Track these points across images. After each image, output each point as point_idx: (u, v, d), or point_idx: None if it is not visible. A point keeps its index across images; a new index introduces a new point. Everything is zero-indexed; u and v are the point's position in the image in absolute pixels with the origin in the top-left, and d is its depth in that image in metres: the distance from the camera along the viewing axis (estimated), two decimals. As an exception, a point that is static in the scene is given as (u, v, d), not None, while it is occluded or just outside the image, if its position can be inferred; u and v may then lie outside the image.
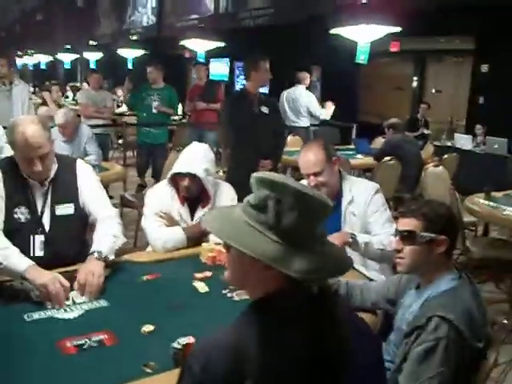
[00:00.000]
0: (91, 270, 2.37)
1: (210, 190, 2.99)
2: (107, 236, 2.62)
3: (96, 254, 2.47)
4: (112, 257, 2.58)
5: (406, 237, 2.07)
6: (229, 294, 2.37)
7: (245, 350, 1.27)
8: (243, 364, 1.26)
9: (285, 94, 8.19)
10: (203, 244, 2.87)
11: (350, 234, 2.75)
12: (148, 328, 2.03)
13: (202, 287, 2.47)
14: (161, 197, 3.02)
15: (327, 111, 7.89)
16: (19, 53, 15.19)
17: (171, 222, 3.01)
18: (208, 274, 2.60)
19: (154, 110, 7.45)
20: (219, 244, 2.69)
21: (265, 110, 4.97)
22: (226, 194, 3.11)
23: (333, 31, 6.64)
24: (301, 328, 1.32)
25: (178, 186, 2.99)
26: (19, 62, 15.25)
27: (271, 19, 10.41)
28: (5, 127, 5.19)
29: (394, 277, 2.35)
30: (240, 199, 4.09)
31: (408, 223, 2.07)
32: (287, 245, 1.29)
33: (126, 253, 2.91)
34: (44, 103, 9.61)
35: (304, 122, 8.09)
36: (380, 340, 2.04)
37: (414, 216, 2.06)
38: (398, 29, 6.44)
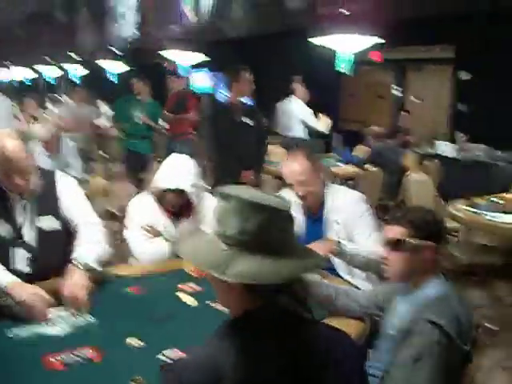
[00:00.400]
0: (76, 283, 2.35)
1: (193, 200, 2.99)
2: (90, 244, 2.59)
3: (80, 265, 2.44)
4: (98, 268, 2.54)
5: (393, 244, 2.08)
6: (212, 304, 2.36)
7: (221, 365, 1.27)
8: (220, 381, 1.26)
9: (279, 105, 8.15)
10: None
11: (335, 242, 2.76)
12: (134, 342, 2.02)
13: (189, 300, 2.46)
14: (144, 209, 3.01)
15: (322, 123, 7.81)
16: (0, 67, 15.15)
17: (155, 233, 3.00)
18: (194, 286, 2.59)
19: (139, 121, 7.44)
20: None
21: (247, 120, 4.99)
22: (210, 205, 3.11)
23: (313, 41, 6.67)
24: (275, 339, 1.32)
25: (161, 197, 2.99)
26: (1, 75, 15.18)
27: (252, 30, 10.45)
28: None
29: (382, 283, 2.36)
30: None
31: (394, 231, 2.08)
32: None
33: (110, 265, 2.88)
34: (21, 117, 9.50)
35: (299, 134, 8.01)
36: (364, 348, 2.05)
37: (400, 223, 2.07)
38: (380, 40, 6.49)
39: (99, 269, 2.55)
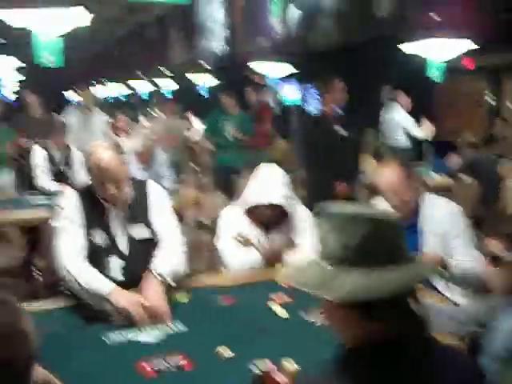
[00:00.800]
0: (156, 293, 2.39)
1: (286, 211, 2.98)
2: (169, 260, 2.61)
3: (158, 276, 2.47)
4: (172, 282, 2.54)
5: (493, 259, 1.97)
6: (303, 315, 2.32)
7: None
8: None
9: (381, 113, 8.06)
10: (279, 265, 2.84)
11: (438, 259, 2.64)
12: (225, 351, 2.01)
13: (280, 311, 2.43)
14: (235, 219, 3.03)
15: (425, 129, 7.63)
16: (97, 84, 15.82)
17: (246, 243, 3.00)
18: (285, 297, 2.56)
19: (231, 137, 7.53)
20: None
21: (342, 131, 4.90)
22: (300, 215, 3.08)
23: (403, 48, 6.54)
24: (400, 367, 1.23)
25: (253, 210, 2.99)
26: (99, 93, 15.90)
27: (340, 40, 10.38)
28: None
29: (485, 298, 2.24)
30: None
31: (493, 244, 1.97)
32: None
33: (201, 275, 2.91)
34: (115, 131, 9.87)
35: (402, 142, 7.87)
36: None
37: (497, 237, 1.96)
38: (473, 45, 6.27)
39: (172, 283, 2.54)
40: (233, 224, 3.03)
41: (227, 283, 2.80)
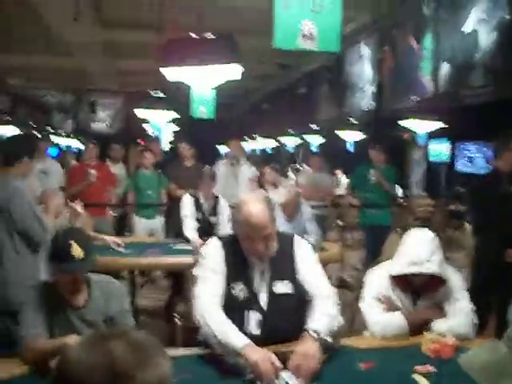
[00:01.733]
0: (308, 353, 2.29)
1: (439, 277, 2.80)
2: (324, 316, 2.53)
3: (313, 334, 2.39)
4: (329, 339, 2.47)
5: None
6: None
7: None
8: None
9: None
10: (425, 333, 2.64)
11: None
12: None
13: (423, 382, 2.24)
14: (381, 280, 2.88)
15: None
16: (247, 138, 16.35)
17: (391, 307, 2.85)
18: (430, 368, 2.37)
19: (373, 178, 7.38)
20: (443, 335, 2.49)
21: None
22: (453, 281, 2.88)
23: None
24: None
25: (402, 277, 2.84)
26: (247, 146, 16.45)
27: (494, 96, 9.92)
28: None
29: None
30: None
31: None
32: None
33: (342, 336, 2.79)
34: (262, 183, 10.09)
35: None
36: None
37: None
38: None
39: (331, 341, 2.47)
40: (379, 286, 2.89)
41: (370, 347, 2.67)
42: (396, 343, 2.71)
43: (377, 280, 2.93)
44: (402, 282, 2.87)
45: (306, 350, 2.30)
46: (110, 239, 4.98)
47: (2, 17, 8.17)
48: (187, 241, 5.32)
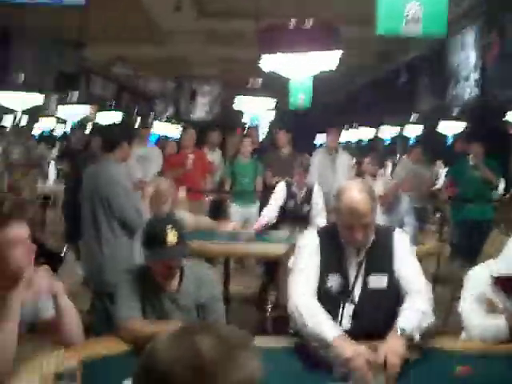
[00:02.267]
0: (392, 350, 2.20)
1: None
2: (413, 312, 2.43)
3: (399, 331, 2.30)
4: (417, 336, 2.36)
5: None
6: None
7: None
8: None
9: None
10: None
11: None
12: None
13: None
14: (482, 281, 2.74)
15: None
16: (346, 127, 16.15)
17: (493, 309, 2.70)
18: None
19: (476, 172, 7.08)
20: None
21: None
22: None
23: None
24: None
25: (506, 279, 2.68)
26: (343, 136, 16.22)
27: None
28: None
29: None
30: None
31: None
32: None
33: (436, 336, 2.67)
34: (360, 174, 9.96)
35: None
36: None
37: None
38: None
39: (419, 340, 2.37)
40: (480, 286, 2.74)
41: (467, 349, 2.55)
42: (496, 347, 2.55)
43: (478, 280, 2.78)
44: (506, 283, 2.71)
45: (391, 347, 2.21)
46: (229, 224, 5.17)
47: (106, 8, 8.48)
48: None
